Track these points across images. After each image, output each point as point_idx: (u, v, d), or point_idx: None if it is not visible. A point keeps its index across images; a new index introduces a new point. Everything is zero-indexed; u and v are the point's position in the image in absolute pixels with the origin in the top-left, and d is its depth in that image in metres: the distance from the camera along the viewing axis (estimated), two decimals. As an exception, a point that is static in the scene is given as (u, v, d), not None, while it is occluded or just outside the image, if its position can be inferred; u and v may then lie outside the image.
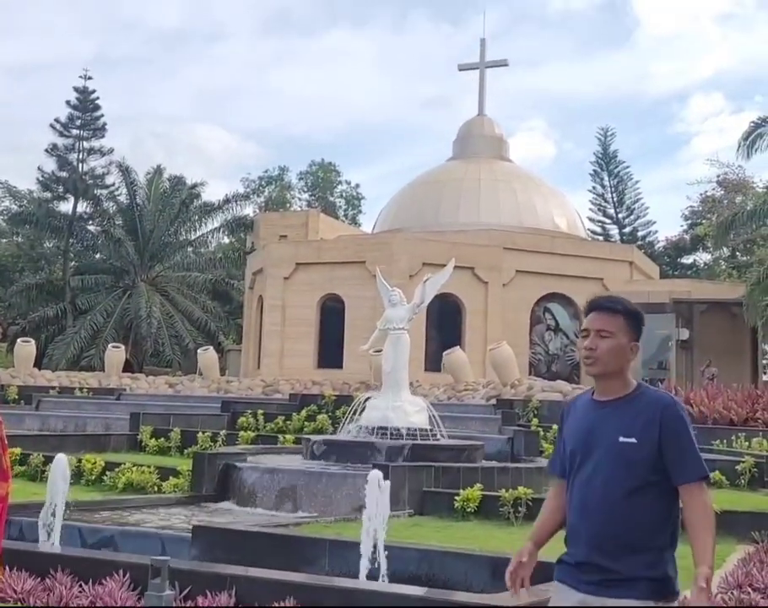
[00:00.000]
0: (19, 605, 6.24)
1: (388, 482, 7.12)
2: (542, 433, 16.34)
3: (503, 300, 31.30)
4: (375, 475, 7.34)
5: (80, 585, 6.43)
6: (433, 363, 28.88)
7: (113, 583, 6.44)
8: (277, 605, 5.99)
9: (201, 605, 6.02)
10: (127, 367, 34.92)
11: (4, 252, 49.55)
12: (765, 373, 39.48)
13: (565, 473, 3.17)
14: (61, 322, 39.37)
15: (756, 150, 27.10)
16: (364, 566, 7.16)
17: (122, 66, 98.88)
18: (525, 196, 36.85)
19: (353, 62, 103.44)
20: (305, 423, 19.33)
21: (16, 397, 24.31)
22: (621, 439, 2.96)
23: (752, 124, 27.62)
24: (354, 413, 13.41)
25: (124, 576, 6.56)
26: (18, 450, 14.81)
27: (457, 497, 10.41)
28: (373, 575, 7.15)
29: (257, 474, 11.47)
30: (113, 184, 42.19)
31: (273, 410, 21.04)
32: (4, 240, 50.75)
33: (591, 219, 55.92)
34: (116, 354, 29.95)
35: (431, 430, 12.83)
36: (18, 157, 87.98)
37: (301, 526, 9.40)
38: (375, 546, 7.25)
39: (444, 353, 25.50)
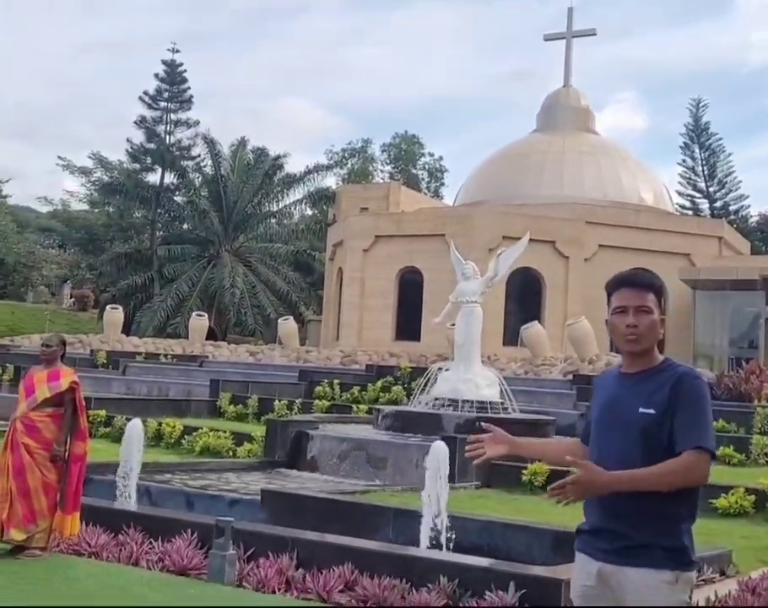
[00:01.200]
0: (93, 557, 6.54)
1: (446, 453, 7.16)
2: (617, 410, 16.11)
3: (584, 274, 30.79)
4: (439, 446, 7.41)
5: (150, 542, 6.70)
6: (511, 337, 28.68)
7: (181, 541, 6.68)
8: (335, 568, 6.13)
9: (263, 565, 6.19)
10: (211, 335, 35.74)
11: (96, 222, 51.17)
12: None
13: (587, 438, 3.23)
14: (148, 290, 40.51)
15: None
16: (425, 534, 7.25)
17: (209, 42, 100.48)
18: (610, 169, 36.09)
19: (437, 35, 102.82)
20: (380, 394, 19.49)
21: (104, 362, 25.17)
22: (641, 410, 2.98)
23: None
24: (426, 385, 13.47)
25: (192, 535, 6.80)
26: (103, 412, 15.43)
27: (524, 471, 10.39)
28: (435, 545, 7.26)
29: (328, 442, 11.66)
30: (198, 156, 43.07)
31: (350, 381, 21.27)
32: (96, 210, 52.36)
33: (680, 194, 54.47)
34: (199, 322, 30.69)
35: (502, 403, 12.79)
36: (111, 130, 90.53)
37: (368, 494, 9.53)
38: (438, 516, 7.34)
39: (522, 328, 25.29)
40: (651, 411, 2.95)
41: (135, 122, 41.74)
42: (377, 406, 14.47)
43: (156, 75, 41.80)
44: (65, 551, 6.64)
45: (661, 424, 2.94)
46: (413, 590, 5.79)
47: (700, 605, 5.71)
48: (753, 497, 9.27)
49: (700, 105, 53.86)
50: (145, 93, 41.74)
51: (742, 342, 31.07)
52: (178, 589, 5.75)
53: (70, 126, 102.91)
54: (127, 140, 42.42)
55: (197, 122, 42.24)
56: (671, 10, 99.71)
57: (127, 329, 34.90)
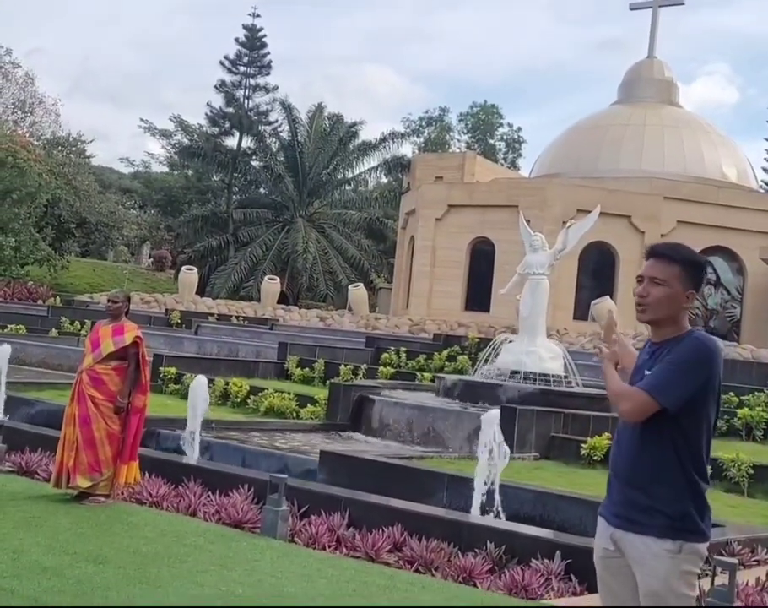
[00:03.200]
0: (154, 507, 6.79)
1: (498, 421, 7.18)
2: (685, 388, 15.84)
3: (661, 251, 30.14)
4: (492, 414, 7.43)
5: (208, 495, 6.92)
6: (583, 311, 28.39)
7: (238, 496, 6.89)
8: (385, 529, 6.25)
9: (315, 523, 6.34)
10: (283, 300, 36.27)
11: (175, 184, 52.14)
12: None
13: None
14: (223, 252, 41.22)
15: None
16: (476, 501, 7.31)
17: (294, 5, 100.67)
18: (692, 143, 35.11)
19: (524, 4, 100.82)
20: (446, 363, 19.54)
21: (178, 321, 25.81)
22: (646, 372, 3.05)
23: None
24: (491, 356, 13.47)
25: (248, 490, 7.01)
26: (174, 370, 15.85)
27: (583, 445, 10.35)
28: (487, 512, 7.32)
29: (389, 407, 11.80)
30: (276, 121, 43.44)
31: (416, 349, 21.38)
32: (176, 172, 53.34)
33: (766, 171, 52.68)
34: (271, 286, 31.15)
35: (566, 377, 12.72)
36: (196, 94, 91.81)
37: (424, 460, 9.64)
38: (491, 484, 7.39)
39: (592, 302, 24.99)
40: None
41: (215, 87, 42.35)
42: (440, 375, 14.54)
43: (236, 40, 42.29)
44: (128, 499, 6.91)
45: None
46: (460, 554, 5.87)
47: (750, 583, 5.65)
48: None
49: (792, 78, 51.88)
50: (225, 57, 42.29)
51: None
52: (232, 540, 5.95)
53: (157, 89, 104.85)
54: (207, 104, 43.11)
55: (275, 88, 42.64)
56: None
57: (201, 291, 35.65)
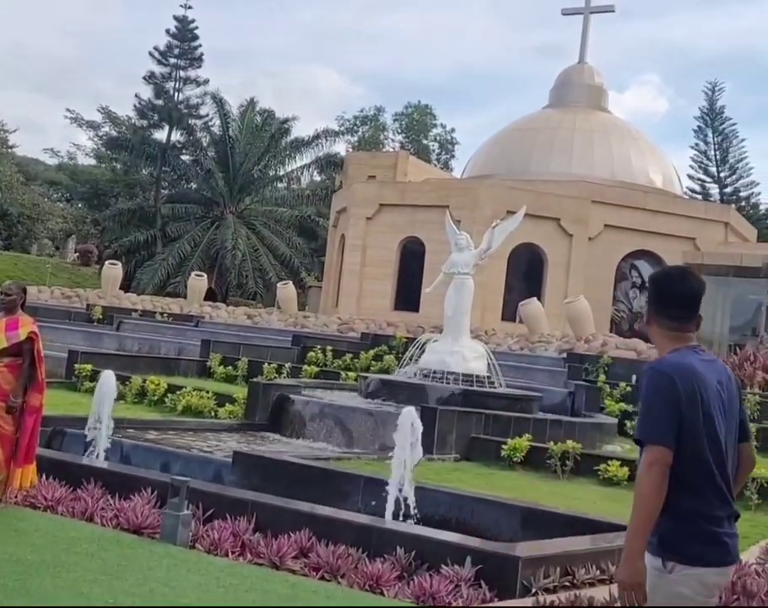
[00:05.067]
0: (48, 511, 6.42)
1: (414, 420, 7.01)
2: (608, 390, 15.96)
3: (588, 254, 30.54)
4: (408, 413, 7.25)
5: (107, 499, 6.58)
6: (510, 313, 28.55)
7: (139, 499, 6.56)
8: (293, 534, 6.00)
9: (218, 527, 6.06)
10: (212, 297, 35.67)
11: (102, 177, 50.88)
12: None
13: None
14: (150, 248, 40.37)
15: None
16: (390, 504, 7.12)
17: (233, 2, 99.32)
18: (620, 149, 35.67)
19: (466, 7, 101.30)
20: (372, 362, 19.37)
21: (100, 317, 25.11)
22: None
23: None
24: (415, 355, 13.32)
25: (151, 493, 6.68)
26: (89, 367, 15.32)
27: (504, 446, 10.26)
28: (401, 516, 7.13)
29: (309, 407, 11.54)
30: (207, 115, 42.72)
31: (344, 348, 21.17)
32: (103, 165, 52.07)
33: (691, 178, 53.93)
34: (198, 282, 30.56)
35: (489, 377, 12.64)
36: (132, 86, 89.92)
37: (342, 461, 9.42)
38: (404, 487, 7.21)
39: (520, 304, 25.14)
40: None
41: (144, 78, 41.45)
42: (363, 374, 14.35)
43: (167, 31, 41.42)
44: (20, 503, 6.52)
45: None
46: (368, 561, 5.65)
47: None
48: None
49: (716, 88, 53.21)
50: (155, 48, 41.40)
51: (743, 329, 30.77)
52: (127, 547, 5.63)
53: (93, 80, 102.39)
54: (136, 96, 42.18)
55: (206, 81, 41.94)
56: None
57: (127, 286, 34.82)
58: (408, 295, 30.13)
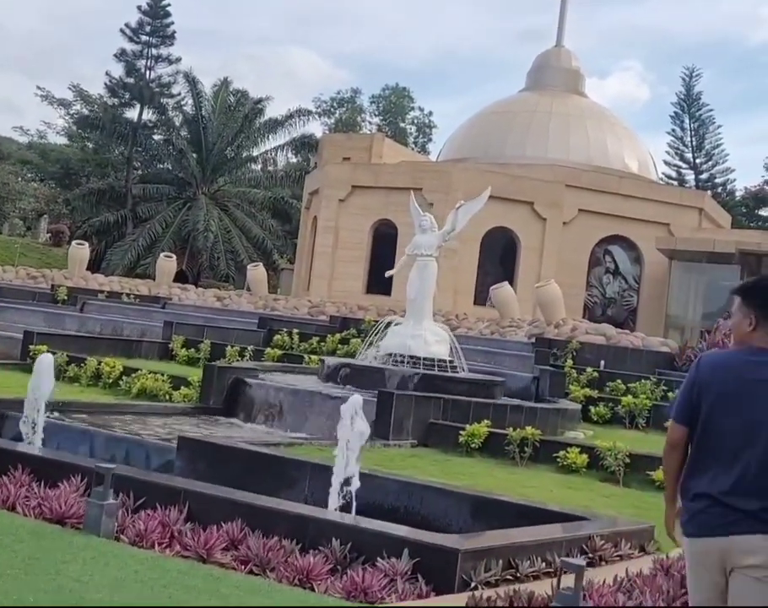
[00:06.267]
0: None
1: (361, 407, 6.74)
2: (574, 375, 15.77)
3: (562, 238, 30.38)
4: (355, 400, 6.97)
5: (31, 486, 6.25)
6: (482, 297, 28.37)
7: (67, 487, 6.24)
8: (225, 524, 5.71)
9: (145, 518, 5.76)
10: (183, 279, 35.22)
11: (74, 156, 50.07)
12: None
13: None
14: (121, 228, 39.78)
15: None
16: (334, 494, 6.84)
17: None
18: (596, 133, 35.48)
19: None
20: (339, 346, 19.08)
21: (65, 298, 24.63)
22: None
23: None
24: (377, 338, 13.05)
25: (81, 480, 6.36)
26: (44, 348, 14.91)
27: (462, 432, 10.01)
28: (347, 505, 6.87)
29: (264, 390, 11.25)
30: (179, 94, 42.09)
31: (312, 331, 20.89)
32: (74, 144, 51.25)
33: (667, 164, 53.91)
34: (167, 263, 30.10)
35: (451, 361, 12.39)
36: (103, 65, 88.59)
37: (293, 447, 9.14)
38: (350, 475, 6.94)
39: (491, 288, 24.92)
40: None
41: (115, 55, 40.74)
42: (323, 358, 14.06)
43: (139, 8, 40.71)
44: (-60, 490, 6.17)
45: None
46: (298, 553, 5.37)
47: (607, 582, 5.33)
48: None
49: (693, 74, 53.11)
50: (126, 25, 40.67)
51: (716, 315, 30.70)
52: (45, 538, 5.31)
53: (71, 60, 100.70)
54: (107, 73, 41.44)
55: (178, 59, 41.28)
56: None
57: (97, 267, 34.29)
58: (380, 278, 29.66)
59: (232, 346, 16.85)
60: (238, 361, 16.04)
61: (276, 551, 5.37)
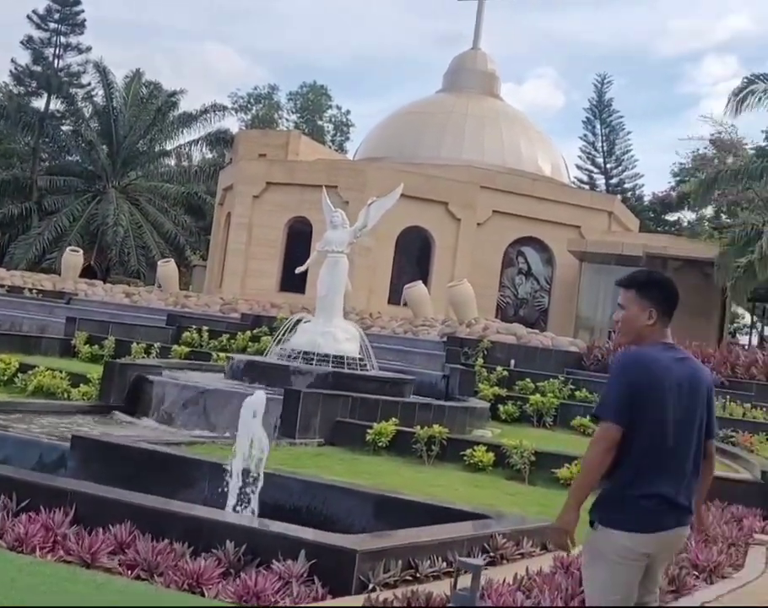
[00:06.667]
0: None
1: (263, 405, 6.55)
2: (485, 374, 15.84)
3: (476, 239, 30.62)
4: (257, 397, 6.77)
5: None
6: (397, 296, 28.35)
7: (-57, 489, 5.85)
8: (113, 527, 5.43)
9: (26, 521, 5.43)
10: (92, 274, 34.19)
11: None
12: (730, 335, 39.16)
13: None
14: (26, 221, 38.36)
15: (746, 107, 26.17)
16: (233, 494, 6.63)
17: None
18: (511, 136, 35.88)
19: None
20: (250, 343, 18.78)
21: (-38, 293, 23.61)
22: None
23: (745, 80, 26.69)
24: (283, 335, 12.84)
25: (-42, 482, 5.98)
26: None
27: (369, 430, 9.88)
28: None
29: (168, 388, 10.92)
30: (89, 84, 40.82)
31: (222, 329, 20.52)
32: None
33: (579, 168, 54.99)
34: (73, 257, 29.16)
35: (361, 359, 12.25)
36: (1, 51, 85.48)
37: (195, 446, 8.86)
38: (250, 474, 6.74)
39: (405, 287, 24.93)
40: None
41: (21, 42, 39.28)
42: (230, 355, 13.77)
43: (47, -7, 39.33)
44: None
45: None
46: (188, 557, 5.14)
47: (507, 581, 5.26)
48: (596, 470, 8.97)
49: (605, 81, 54.34)
50: (34, 11, 39.26)
51: (624, 317, 31.39)
52: None
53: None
54: (12, 61, 39.95)
55: (88, 48, 40.06)
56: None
57: (-1, 261, 33.02)
58: (294, 276, 29.35)
59: (138, 343, 16.38)
60: (144, 358, 15.60)
61: (166, 554, 5.12)
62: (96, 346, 16.63)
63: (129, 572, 4.99)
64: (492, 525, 6.23)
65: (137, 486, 6.52)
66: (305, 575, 5.01)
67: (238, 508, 6.61)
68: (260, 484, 6.59)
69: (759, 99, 25.63)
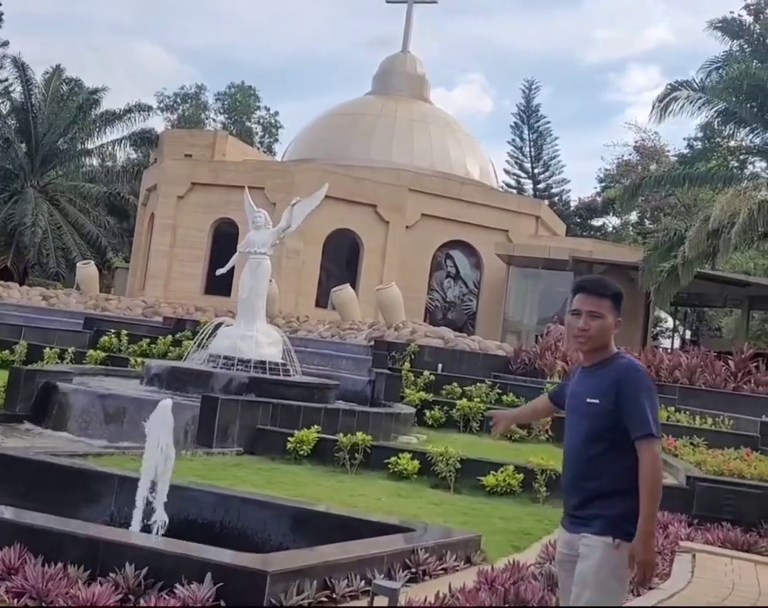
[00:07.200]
0: None
1: (170, 413, 6.14)
2: (411, 378, 15.60)
3: (404, 242, 30.44)
4: (164, 405, 6.34)
5: None
6: (325, 299, 27.99)
7: None
8: (0, 550, 4.97)
9: None
10: (8, 277, 32.96)
11: None
12: (653, 338, 39.89)
13: (555, 399, 3.88)
14: (-64, 221, 36.81)
15: (669, 113, 26.53)
16: (139, 510, 6.20)
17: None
18: (439, 140, 35.83)
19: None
20: (171, 348, 18.19)
21: None
22: (588, 400, 3.43)
23: (668, 87, 27.04)
24: (205, 340, 12.37)
25: None
26: None
27: (290, 438, 9.52)
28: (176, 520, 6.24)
29: (78, 396, 10.38)
30: (6, 80, 39.38)
31: (143, 332, 19.86)
32: None
33: (507, 172, 55.42)
34: (-13, 259, 28.00)
35: (284, 364, 11.87)
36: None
37: (103, 457, 8.37)
38: (164, 488, 6.31)
39: (332, 290, 24.58)
40: (596, 401, 3.40)
41: (-68, 34, 37.65)
42: (147, 360, 13.24)
43: (-40, -15, 37.84)
44: None
45: (601, 410, 3.38)
46: (92, 581, 4.72)
47: (428, 599, 4.98)
48: (521, 476, 8.80)
49: (533, 86, 54.88)
50: (-54, 3, 37.72)
51: (551, 320, 31.63)
52: None
53: None
54: None
55: (5, 43, 38.71)
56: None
57: None
58: (219, 278, 28.69)
59: (51, 348, 15.68)
60: (57, 363, 14.93)
61: (57, 580, 4.69)
62: (7, 351, 15.88)
63: (16, 600, 4.55)
64: (413, 539, 5.94)
65: (35, 503, 6.07)
66: (211, 599, 4.64)
67: (142, 525, 6.20)
68: (164, 498, 6.18)
69: (682, 106, 25.99)
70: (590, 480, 3.38)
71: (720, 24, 28.47)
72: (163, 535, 5.96)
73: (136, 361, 15.17)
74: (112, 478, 7.05)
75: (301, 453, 9.47)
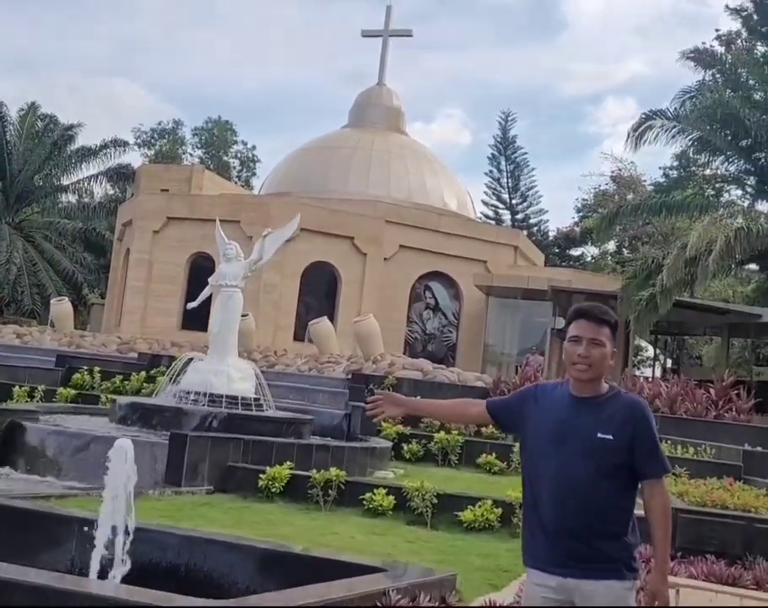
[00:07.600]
0: None
1: (131, 453, 5.88)
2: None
3: (383, 274, 30.31)
4: (122, 445, 6.09)
5: None
6: (302, 332, 27.73)
7: None
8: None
9: None
10: (-19, 314, 32.53)
11: None
12: (634, 367, 39.85)
13: (498, 415, 3.55)
14: None
15: (645, 142, 26.68)
16: (98, 553, 5.91)
17: (30, 8, 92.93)
18: (416, 171, 35.88)
19: (283, 26, 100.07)
20: (145, 384, 17.86)
21: None
22: (599, 435, 3.23)
23: (643, 116, 27.21)
24: (177, 375, 12.10)
25: None
26: None
27: (262, 475, 9.25)
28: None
29: (44, 435, 10.07)
30: (-20, 116, 39.10)
31: (117, 369, 19.51)
32: None
33: (485, 203, 55.60)
34: (-41, 297, 27.59)
35: (257, 399, 11.61)
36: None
37: (67, 499, 8.06)
38: (125, 530, 6.04)
39: (310, 323, 24.36)
40: (610, 437, 3.23)
41: None
42: (115, 397, 12.93)
43: (-65, 22, 37.65)
44: None
45: (617, 447, 3.23)
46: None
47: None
48: (500, 510, 8.56)
49: (509, 118, 55.25)
50: None
51: (530, 350, 31.53)
52: None
53: None
54: None
55: (-21, 80, 38.37)
56: (503, 32, 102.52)
57: None
58: (196, 313, 28.39)
59: (21, 386, 15.34)
60: (27, 402, 14.59)
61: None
62: (-26, 390, 15.49)
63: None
64: (385, 580, 5.68)
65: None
66: (166, 652, 4.37)
67: (100, 571, 5.92)
68: (125, 542, 5.91)
69: (657, 135, 26.15)
70: (599, 519, 3.20)
71: (692, 55, 28.80)
72: (124, 581, 5.71)
73: (107, 399, 14.84)
74: (73, 521, 6.75)
75: (273, 490, 9.20)
